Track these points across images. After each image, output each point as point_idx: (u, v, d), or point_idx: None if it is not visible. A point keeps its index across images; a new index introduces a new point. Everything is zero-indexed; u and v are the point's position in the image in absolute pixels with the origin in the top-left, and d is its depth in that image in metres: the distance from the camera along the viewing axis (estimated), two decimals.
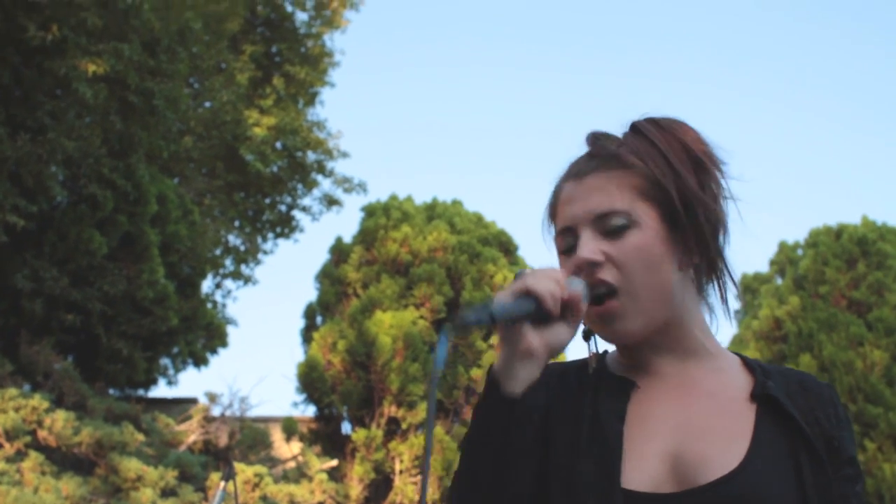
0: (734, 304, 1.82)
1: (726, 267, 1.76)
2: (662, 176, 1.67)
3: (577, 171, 1.76)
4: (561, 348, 1.62)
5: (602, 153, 1.74)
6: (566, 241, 1.73)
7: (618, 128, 1.80)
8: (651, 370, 1.76)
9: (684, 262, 1.72)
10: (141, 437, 10.73)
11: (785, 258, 14.57)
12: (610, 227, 1.68)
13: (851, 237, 13.57)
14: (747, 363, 1.81)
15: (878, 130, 40.45)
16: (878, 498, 11.34)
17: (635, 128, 1.76)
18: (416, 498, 11.85)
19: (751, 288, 15.14)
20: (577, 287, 1.62)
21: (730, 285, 1.78)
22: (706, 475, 1.61)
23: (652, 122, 1.75)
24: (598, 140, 1.78)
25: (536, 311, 1.56)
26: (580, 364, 1.82)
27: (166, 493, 9.95)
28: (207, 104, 16.45)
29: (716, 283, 1.77)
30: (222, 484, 4.25)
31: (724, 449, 1.64)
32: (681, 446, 1.65)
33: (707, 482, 1.60)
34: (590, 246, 1.68)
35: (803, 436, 1.67)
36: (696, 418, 1.69)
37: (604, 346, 1.82)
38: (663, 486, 1.61)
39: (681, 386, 1.74)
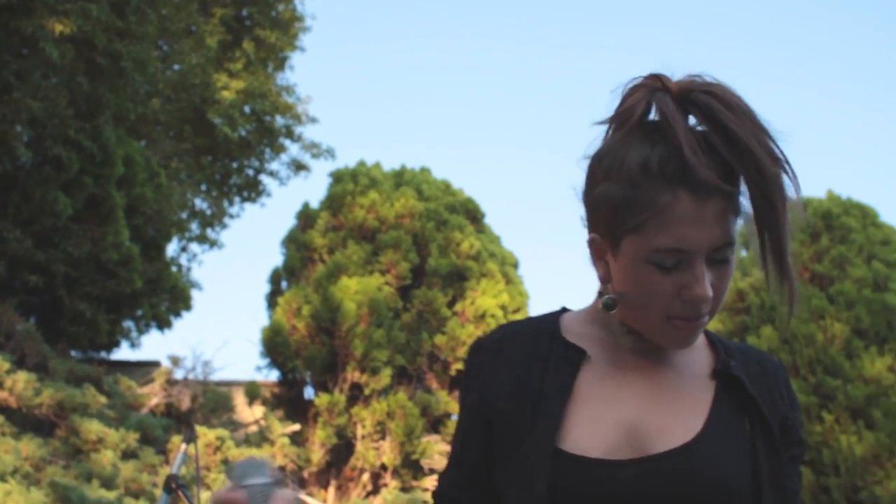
0: None
1: None
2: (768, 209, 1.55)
3: (699, 186, 1.51)
4: None
5: (717, 167, 1.51)
6: (666, 259, 1.54)
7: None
8: (622, 339, 1.72)
9: None
10: (102, 399, 10.73)
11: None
12: (719, 257, 1.55)
13: (816, 211, 13.64)
14: (710, 339, 1.78)
15: (845, 105, 40.63)
16: (833, 468, 11.46)
17: (712, 113, 1.54)
18: (377, 463, 11.91)
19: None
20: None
21: None
22: (661, 445, 1.60)
23: (718, 99, 1.54)
24: (698, 146, 1.51)
25: None
26: (537, 325, 1.76)
27: (127, 455, 9.96)
28: (176, 67, 16.34)
29: None
30: (183, 446, 4.27)
31: (681, 422, 1.63)
32: (639, 415, 1.64)
33: (661, 451, 1.60)
34: (707, 281, 1.55)
35: (762, 418, 1.66)
36: (657, 390, 1.68)
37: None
38: (617, 452, 1.60)
39: (646, 357, 1.71)
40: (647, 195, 1.53)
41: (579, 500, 1.57)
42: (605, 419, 1.63)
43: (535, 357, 1.70)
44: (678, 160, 1.50)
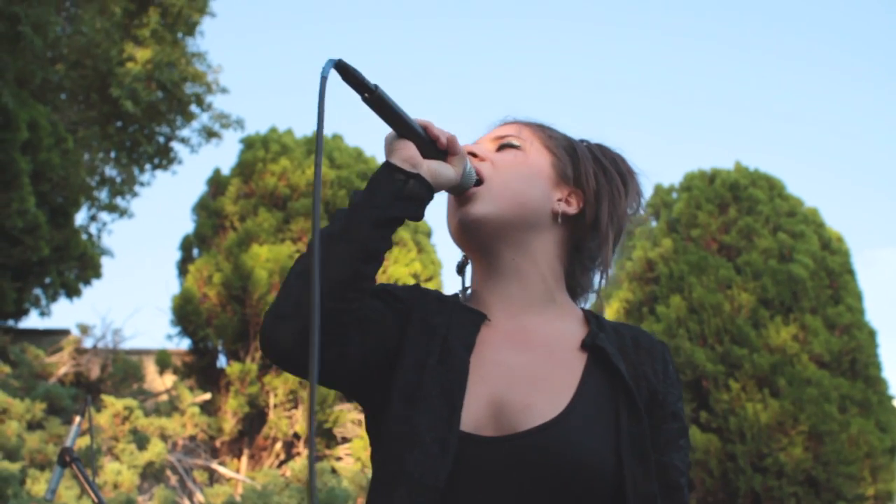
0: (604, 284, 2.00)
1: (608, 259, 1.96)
2: (578, 160, 1.95)
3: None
4: (444, 182, 1.73)
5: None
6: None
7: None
8: (493, 314, 1.82)
9: (559, 205, 1.86)
10: (7, 369, 10.55)
11: (660, 201, 14.77)
12: (503, 144, 1.90)
13: (724, 182, 13.82)
14: (586, 316, 1.87)
15: (753, 78, 41.17)
16: (739, 436, 11.67)
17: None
18: (290, 432, 11.87)
19: (627, 230, 15.31)
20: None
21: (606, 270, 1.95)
22: (526, 422, 1.64)
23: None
24: None
25: (425, 134, 1.73)
26: (447, 295, 1.87)
27: (33, 425, 9.80)
28: (84, 29, 15.95)
29: (599, 268, 1.97)
30: (77, 419, 4.15)
31: (548, 398, 1.67)
32: (506, 392, 1.68)
33: (524, 429, 1.63)
34: (481, 146, 1.91)
35: (625, 387, 1.71)
36: (528, 366, 1.73)
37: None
38: (484, 429, 1.64)
39: (518, 333, 1.79)
40: None
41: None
42: (476, 394, 1.68)
43: (444, 310, 1.81)
44: None
